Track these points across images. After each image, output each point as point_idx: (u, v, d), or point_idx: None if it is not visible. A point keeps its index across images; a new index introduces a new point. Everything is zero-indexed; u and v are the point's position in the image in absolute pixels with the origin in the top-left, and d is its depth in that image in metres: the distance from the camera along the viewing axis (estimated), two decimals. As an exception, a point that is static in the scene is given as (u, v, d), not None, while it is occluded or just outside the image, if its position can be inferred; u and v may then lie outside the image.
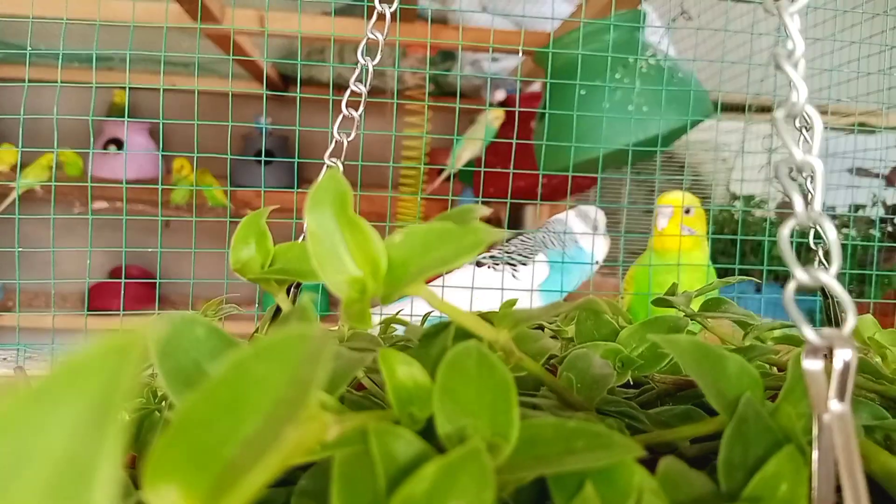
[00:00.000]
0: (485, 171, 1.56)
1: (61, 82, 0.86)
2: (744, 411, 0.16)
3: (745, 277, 0.40)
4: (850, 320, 0.15)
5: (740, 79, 1.10)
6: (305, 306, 0.17)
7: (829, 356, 0.15)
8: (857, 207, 1.53)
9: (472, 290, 0.82)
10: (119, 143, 2.12)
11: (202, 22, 1.19)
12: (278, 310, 0.36)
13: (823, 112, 1.01)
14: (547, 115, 0.99)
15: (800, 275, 0.15)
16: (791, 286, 0.16)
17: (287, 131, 2.21)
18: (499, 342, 0.19)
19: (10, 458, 0.06)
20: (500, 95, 1.51)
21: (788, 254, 0.15)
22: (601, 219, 0.94)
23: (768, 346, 0.26)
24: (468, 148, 1.47)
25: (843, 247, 0.96)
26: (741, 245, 0.89)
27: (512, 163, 0.83)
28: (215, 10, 1.17)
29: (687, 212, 0.86)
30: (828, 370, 0.15)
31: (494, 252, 0.97)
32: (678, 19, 1.22)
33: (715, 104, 1.05)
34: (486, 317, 0.38)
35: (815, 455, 0.15)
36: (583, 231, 0.93)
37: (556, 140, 0.99)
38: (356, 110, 0.33)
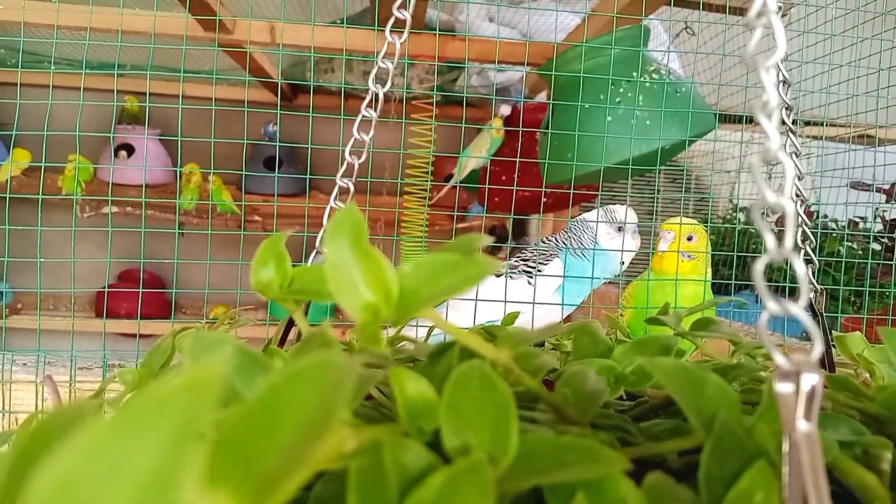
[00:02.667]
0: (491, 182, 1.58)
1: (74, 88, 0.88)
2: (720, 429, 0.18)
3: (734, 298, 0.42)
4: (817, 348, 0.16)
5: (742, 92, 1.12)
6: (326, 332, 0.19)
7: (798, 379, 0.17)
8: (855, 222, 1.54)
9: (500, 300, 0.83)
10: (130, 149, 2.15)
11: (213, 31, 1.21)
12: (291, 321, 0.38)
13: (819, 124, 1.03)
14: (550, 129, 1.01)
15: (771, 306, 0.17)
16: (764, 316, 0.17)
17: (295, 139, 2.23)
18: (499, 361, 0.20)
19: (103, 475, 0.08)
20: (506, 111, 1.53)
21: (762, 286, 0.17)
22: (631, 217, 0.95)
23: (755, 364, 0.27)
24: (472, 159, 1.49)
25: (838, 259, 0.97)
26: (741, 256, 0.90)
27: (516, 176, 0.85)
28: (227, 21, 1.19)
29: (689, 238, 0.87)
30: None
31: (512, 261, 0.98)
32: (682, 34, 1.24)
33: (717, 116, 1.07)
34: (489, 331, 0.39)
35: (785, 470, 0.16)
36: (607, 231, 0.93)
37: (561, 152, 1.01)
38: (367, 133, 0.35)
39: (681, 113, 0.96)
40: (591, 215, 0.96)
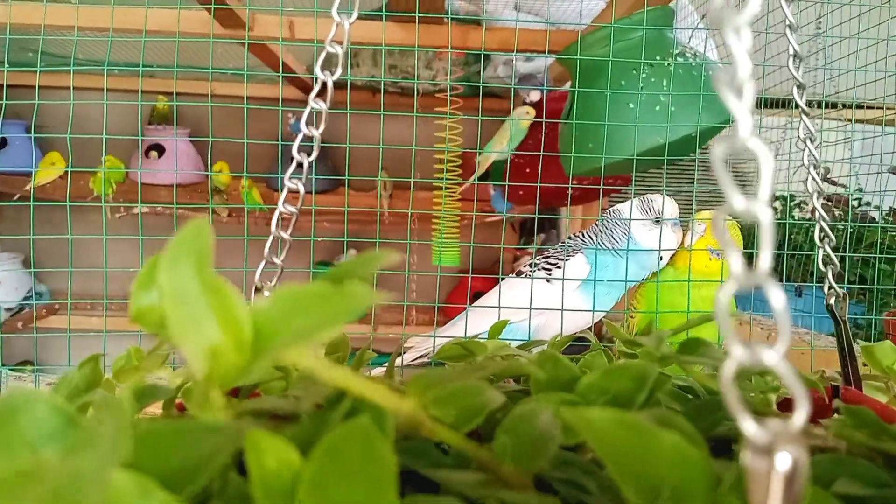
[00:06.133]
0: (515, 174, 1.52)
1: (106, 90, 0.87)
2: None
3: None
4: (801, 412, 0.12)
5: (781, 72, 1.05)
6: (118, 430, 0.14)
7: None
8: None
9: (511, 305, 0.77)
10: (161, 149, 2.15)
11: (232, 28, 1.19)
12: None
13: (860, 107, 0.95)
14: (569, 118, 0.96)
15: (737, 353, 0.12)
16: (730, 366, 0.13)
17: (324, 134, 2.21)
18: (403, 413, 0.16)
19: None
20: (535, 96, 1.47)
21: (728, 333, 0.12)
22: (670, 208, 0.87)
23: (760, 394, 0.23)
24: (495, 151, 1.45)
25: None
26: (777, 246, 0.84)
27: (539, 168, 0.80)
28: (245, 16, 1.16)
29: None
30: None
31: (536, 259, 0.91)
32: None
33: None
34: (467, 346, 0.35)
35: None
36: (643, 223, 0.86)
37: (582, 142, 0.95)
38: (325, 102, 0.31)
39: (708, 98, 0.90)
40: (624, 206, 0.90)
